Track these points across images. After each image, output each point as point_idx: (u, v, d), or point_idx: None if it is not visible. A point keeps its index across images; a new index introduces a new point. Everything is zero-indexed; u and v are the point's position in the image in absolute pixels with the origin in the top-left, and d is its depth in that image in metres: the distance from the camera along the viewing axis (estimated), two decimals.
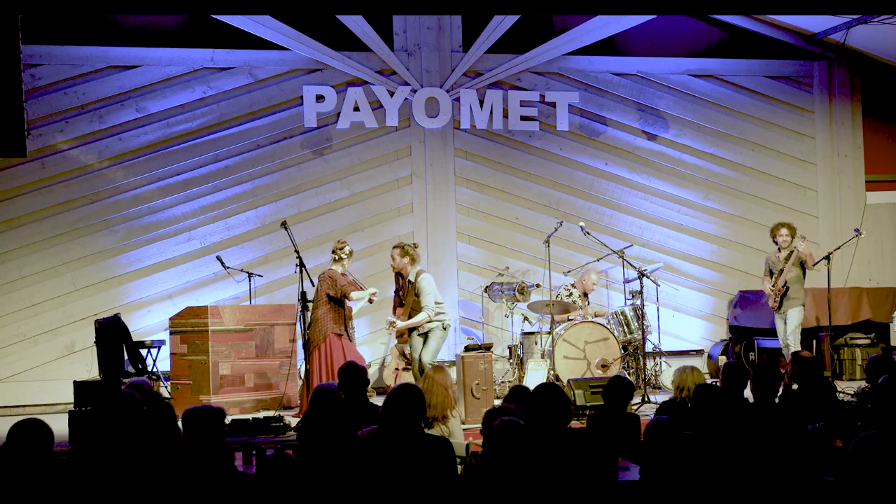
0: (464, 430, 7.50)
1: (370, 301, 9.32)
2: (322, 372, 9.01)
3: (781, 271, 10.20)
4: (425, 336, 9.17)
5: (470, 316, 11.67)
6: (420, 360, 9.08)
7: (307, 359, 9.21)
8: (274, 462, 4.29)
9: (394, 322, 9.40)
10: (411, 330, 9.26)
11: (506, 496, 4.40)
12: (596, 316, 10.73)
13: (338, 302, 9.18)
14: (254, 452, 6.56)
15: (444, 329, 9.24)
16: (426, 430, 5.60)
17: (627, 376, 10.53)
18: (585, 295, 11.00)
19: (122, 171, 11.08)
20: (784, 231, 10.26)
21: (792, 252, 10.19)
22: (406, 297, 9.38)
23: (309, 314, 9.22)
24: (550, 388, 4.92)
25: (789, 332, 10.18)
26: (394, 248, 9.47)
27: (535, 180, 11.92)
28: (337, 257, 9.40)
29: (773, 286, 10.25)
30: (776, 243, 10.37)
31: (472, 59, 11.64)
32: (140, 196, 11.11)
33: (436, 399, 6.05)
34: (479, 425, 5.47)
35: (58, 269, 10.87)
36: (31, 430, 4.44)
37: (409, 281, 9.30)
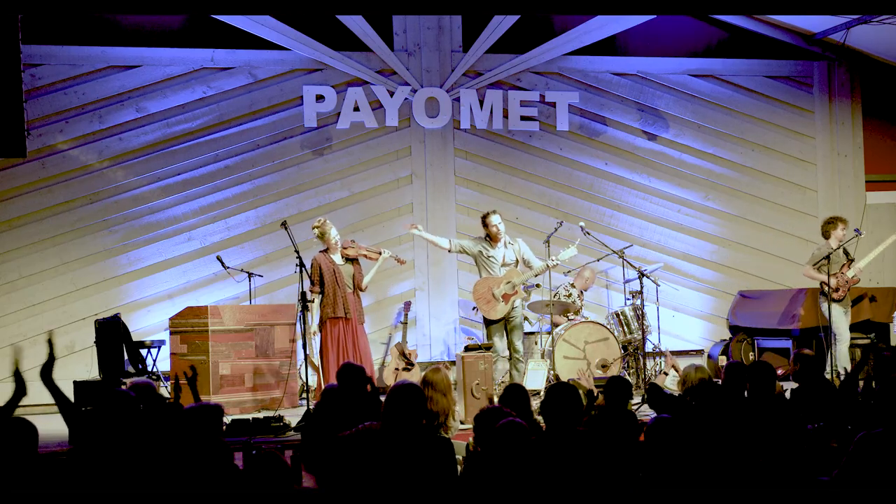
0: (463, 430, 7.51)
1: (400, 262, 9.68)
2: (334, 353, 9.15)
3: (850, 262, 10.16)
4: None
5: (470, 316, 11.66)
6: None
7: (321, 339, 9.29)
8: (261, 461, 4.28)
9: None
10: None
11: (505, 496, 4.40)
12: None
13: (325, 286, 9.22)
14: (254, 452, 6.56)
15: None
16: None
17: (627, 376, 10.63)
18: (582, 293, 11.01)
19: (122, 171, 11.08)
20: (841, 226, 10.23)
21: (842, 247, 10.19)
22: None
23: (308, 314, 9.22)
24: (565, 389, 4.89)
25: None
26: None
27: (535, 180, 11.92)
28: (319, 241, 9.41)
29: (842, 277, 10.15)
30: (830, 237, 10.19)
31: (472, 59, 11.64)
32: (140, 196, 11.11)
33: (436, 407, 6.07)
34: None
35: (58, 269, 10.87)
36: (14, 430, 4.39)
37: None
